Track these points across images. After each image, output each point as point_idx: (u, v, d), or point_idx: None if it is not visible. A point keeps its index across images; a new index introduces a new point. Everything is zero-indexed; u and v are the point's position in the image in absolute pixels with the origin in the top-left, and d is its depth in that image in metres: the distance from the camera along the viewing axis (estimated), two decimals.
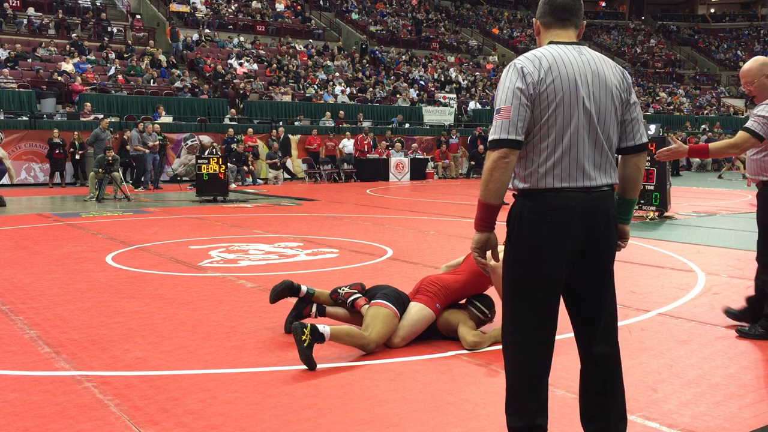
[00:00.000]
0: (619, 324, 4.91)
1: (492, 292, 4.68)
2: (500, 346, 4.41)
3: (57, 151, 18.01)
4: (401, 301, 4.41)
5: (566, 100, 2.55)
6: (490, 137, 2.57)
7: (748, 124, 4.49)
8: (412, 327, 4.37)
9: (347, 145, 22.11)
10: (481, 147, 23.16)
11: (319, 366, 4.03)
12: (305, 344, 3.91)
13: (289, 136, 21.57)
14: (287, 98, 24.71)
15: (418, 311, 4.40)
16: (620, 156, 2.80)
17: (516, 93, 2.53)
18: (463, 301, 4.72)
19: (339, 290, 4.71)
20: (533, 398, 2.66)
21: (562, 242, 2.56)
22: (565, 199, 2.56)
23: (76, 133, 18.16)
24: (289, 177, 21.31)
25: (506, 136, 2.51)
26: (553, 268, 2.59)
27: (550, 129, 2.56)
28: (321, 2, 36.29)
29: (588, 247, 2.61)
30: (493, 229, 2.64)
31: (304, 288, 4.76)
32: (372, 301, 4.41)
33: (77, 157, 18.17)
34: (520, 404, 2.66)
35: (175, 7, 29.51)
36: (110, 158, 14.75)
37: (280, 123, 22.24)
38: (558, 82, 2.54)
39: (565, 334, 4.71)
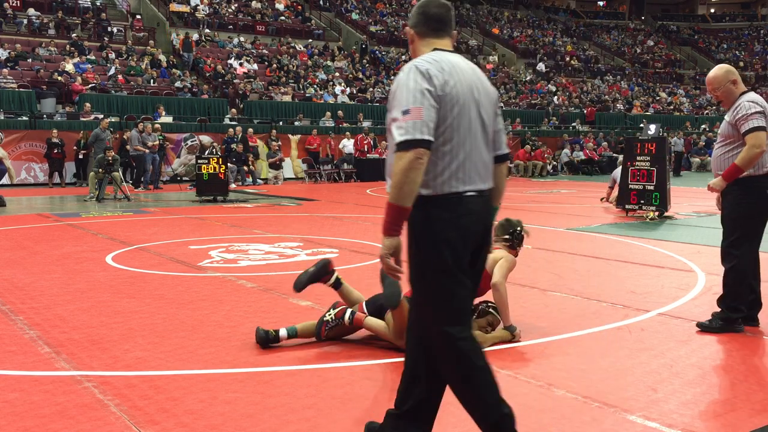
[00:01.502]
0: (620, 324, 4.96)
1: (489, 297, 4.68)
2: (500, 347, 4.44)
3: (55, 151, 18.00)
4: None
5: (466, 104, 2.61)
6: (400, 138, 2.49)
7: (757, 123, 4.60)
8: None
9: (347, 145, 22.10)
10: None
11: (319, 366, 4.03)
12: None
13: (248, 135, 20.49)
14: (287, 98, 24.71)
15: None
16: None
17: (425, 94, 2.53)
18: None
19: (325, 318, 4.46)
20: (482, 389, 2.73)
21: (467, 245, 2.63)
22: (469, 204, 2.62)
23: (81, 132, 18.15)
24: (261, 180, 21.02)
25: (420, 136, 2.49)
26: (459, 269, 2.63)
27: (453, 132, 2.59)
28: (321, 2, 36.29)
29: (480, 248, 2.73)
30: (401, 234, 2.59)
31: (283, 332, 4.44)
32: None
33: (80, 156, 18.16)
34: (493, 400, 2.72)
35: (175, 7, 29.50)
36: (110, 158, 14.74)
37: (236, 124, 21.22)
38: (459, 86, 2.60)
39: (564, 334, 4.72)
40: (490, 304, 4.70)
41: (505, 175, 2.87)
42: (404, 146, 2.48)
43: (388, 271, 2.62)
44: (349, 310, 4.43)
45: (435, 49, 2.71)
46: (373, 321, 4.34)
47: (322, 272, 4.56)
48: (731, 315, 4.78)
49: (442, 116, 2.56)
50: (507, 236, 4.87)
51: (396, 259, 2.60)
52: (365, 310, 4.44)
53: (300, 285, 4.49)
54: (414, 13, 2.80)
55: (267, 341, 4.38)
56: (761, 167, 4.69)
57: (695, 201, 14.11)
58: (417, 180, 2.50)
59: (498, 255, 4.67)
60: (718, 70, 4.89)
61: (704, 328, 4.82)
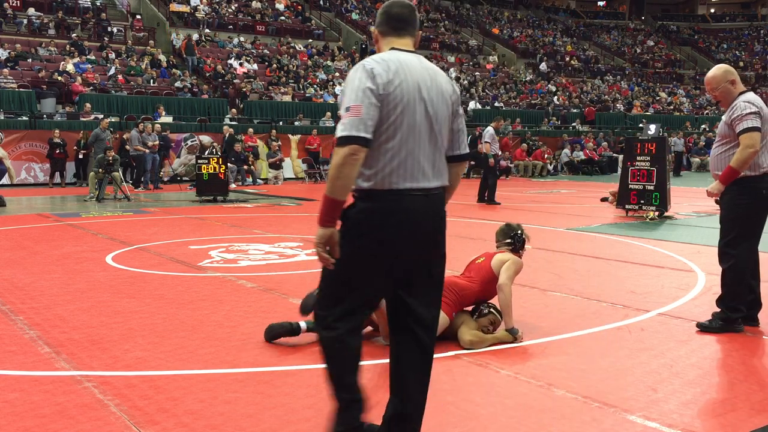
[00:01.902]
0: (620, 324, 4.95)
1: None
2: (499, 347, 4.44)
3: (57, 151, 18.00)
4: None
5: (411, 102, 2.66)
6: (339, 134, 2.59)
7: (751, 124, 4.62)
8: None
9: None
10: (480, 147, 23.14)
11: (319, 366, 4.02)
12: None
13: (248, 135, 20.54)
14: (287, 98, 24.70)
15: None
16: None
17: (366, 92, 2.60)
18: (470, 307, 4.76)
19: None
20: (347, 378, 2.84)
21: (402, 243, 2.67)
22: (407, 202, 2.66)
23: (81, 132, 18.15)
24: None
25: (356, 134, 2.57)
26: (383, 268, 2.70)
27: (396, 130, 2.65)
28: (321, 2, 36.29)
29: (423, 248, 2.74)
30: (336, 225, 2.67)
31: (303, 325, 4.49)
32: None
33: (80, 156, 18.16)
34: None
35: (175, 7, 29.50)
36: (110, 158, 14.74)
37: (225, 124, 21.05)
38: (404, 85, 2.66)
39: (564, 334, 4.72)
40: (491, 304, 4.71)
41: (459, 175, 2.92)
42: (341, 142, 2.57)
43: (320, 260, 2.70)
44: None
45: (392, 49, 2.79)
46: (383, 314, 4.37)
47: (290, 335, 4.50)
48: (731, 315, 4.78)
49: (385, 114, 2.63)
50: (509, 240, 4.94)
51: (330, 249, 2.67)
52: None
53: (307, 309, 4.42)
54: (378, 14, 2.90)
55: (291, 333, 4.41)
56: (758, 168, 4.70)
57: (695, 201, 14.11)
58: (350, 175, 2.59)
59: (505, 257, 4.72)
60: (716, 70, 4.90)
61: (704, 328, 4.82)
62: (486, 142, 14.17)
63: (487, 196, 14.07)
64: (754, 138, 4.60)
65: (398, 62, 2.69)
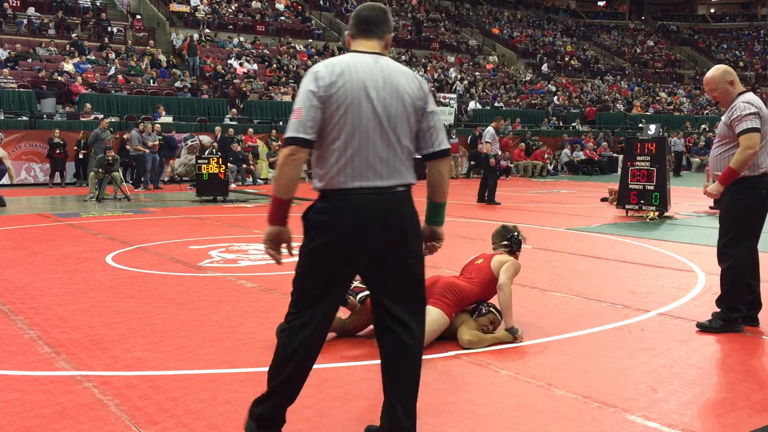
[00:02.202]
0: (620, 324, 4.95)
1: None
2: (499, 347, 4.44)
3: (57, 151, 18.00)
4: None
5: (355, 102, 2.71)
6: (284, 135, 2.76)
7: (751, 124, 4.62)
8: (434, 333, 4.38)
9: None
10: (480, 147, 23.14)
11: (319, 366, 4.02)
12: None
13: (248, 135, 20.38)
14: (287, 98, 24.69)
15: (438, 319, 4.39)
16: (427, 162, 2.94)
17: (308, 95, 2.71)
18: (471, 306, 4.77)
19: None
20: (287, 370, 2.87)
21: (353, 240, 2.73)
22: (355, 201, 2.72)
23: (81, 132, 18.15)
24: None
25: (295, 135, 2.70)
26: (343, 263, 2.77)
27: (341, 130, 2.72)
28: (321, 2, 36.29)
29: (383, 246, 2.76)
30: (285, 223, 2.81)
31: None
32: None
33: (80, 156, 18.16)
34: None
35: (175, 7, 29.50)
36: (110, 158, 14.74)
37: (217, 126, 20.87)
38: (348, 86, 2.71)
39: (564, 334, 4.72)
40: (491, 304, 4.72)
41: (442, 172, 2.90)
42: (284, 143, 2.72)
43: (267, 252, 2.85)
44: (365, 292, 4.45)
45: (355, 51, 2.86)
46: None
47: None
48: (731, 315, 4.78)
49: (329, 116, 2.71)
50: (506, 242, 4.98)
51: (275, 246, 2.82)
52: None
53: None
54: (351, 17, 2.99)
55: None
56: (756, 168, 4.71)
57: (695, 201, 14.10)
58: (290, 175, 2.74)
59: (504, 259, 4.75)
60: (715, 71, 4.91)
61: (704, 328, 4.82)
62: (486, 142, 14.17)
63: (487, 196, 14.07)
64: (754, 139, 4.60)
65: (346, 64, 2.76)
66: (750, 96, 4.81)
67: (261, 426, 2.90)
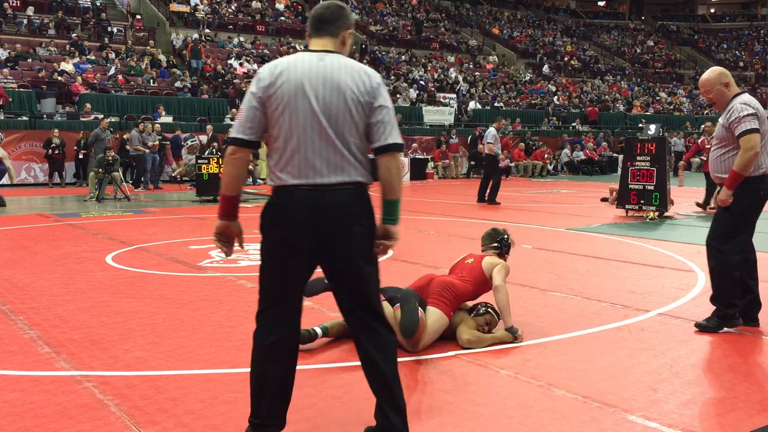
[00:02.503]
0: (620, 324, 4.95)
1: (489, 298, 4.68)
2: (499, 346, 4.44)
3: (56, 152, 18.00)
4: (423, 307, 4.40)
5: (293, 102, 2.76)
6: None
7: (750, 125, 4.62)
8: (434, 334, 4.39)
9: None
10: (480, 147, 23.15)
11: (319, 366, 4.03)
12: (417, 310, 4.16)
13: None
14: None
15: (438, 319, 4.40)
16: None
17: (249, 97, 2.81)
18: (471, 303, 4.79)
19: None
20: (263, 371, 2.92)
21: (296, 236, 2.79)
22: (296, 197, 2.77)
23: (81, 132, 18.15)
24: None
25: (235, 135, 2.83)
26: (290, 259, 2.83)
27: (281, 129, 2.78)
28: (321, 2, 36.24)
29: (326, 242, 2.81)
30: (233, 218, 2.94)
31: (318, 330, 4.46)
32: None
33: (80, 156, 18.15)
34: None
35: (175, 7, 29.50)
36: (110, 158, 14.74)
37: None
38: (286, 85, 2.76)
39: (564, 334, 4.72)
40: (488, 304, 4.72)
41: (389, 167, 2.83)
42: (227, 143, 2.90)
43: (216, 245, 2.98)
44: None
45: (306, 49, 2.92)
46: (386, 309, 4.35)
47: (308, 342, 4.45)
48: (726, 311, 4.80)
49: (270, 116, 2.80)
50: (495, 244, 5.05)
51: (225, 239, 2.96)
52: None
53: (310, 292, 4.38)
54: None
55: (309, 340, 4.36)
56: (757, 168, 4.72)
57: (695, 201, 14.09)
58: (232, 173, 2.86)
59: (494, 261, 4.79)
60: (710, 73, 4.93)
61: (702, 328, 4.83)
62: (488, 143, 14.16)
63: (487, 196, 14.08)
64: (754, 140, 4.61)
65: (287, 64, 2.81)
66: (746, 97, 4.81)
67: (256, 430, 2.93)
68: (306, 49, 2.93)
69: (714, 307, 4.90)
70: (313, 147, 2.76)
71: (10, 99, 19.36)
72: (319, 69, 2.79)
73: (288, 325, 2.91)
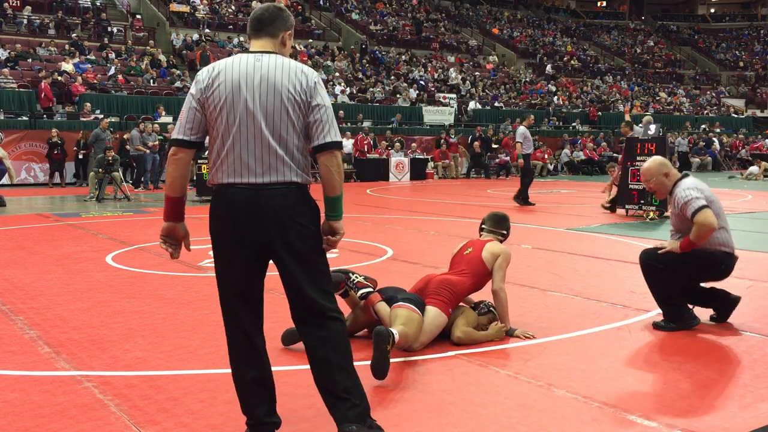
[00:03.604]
0: (620, 324, 4.95)
1: (485, 294, 4.68)
2: (500, 346, 4.44)
3: (56, 151, 18.00)
4: (422, 307, 4.37)
5: (229, 102, 2.81)
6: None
7: (698, 204, 4.69)
8: (432, 333, 4.37)
9: (346, 145, 22.11)
10: (476, 145, 23.17)
11: None
12: (388, 353, 3.74)
13: None
14: None
15: (436, 317, 4.37)
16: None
17: (188, 98, 2.89)
18: (474, 298, 4.80)
19: (351, 275, 4.49)
20: (240, 373, 2.95)
21: (234, 234, 2.84)
22: (232, 195, 2.83)
23: (81, 132, 18.16)
24: None
25: (175, 136, 2.90)
26: (233, 256, 2.89)
27: (219, 129, 2.84)
28: (321, 2, 36.29)
29: (267, 242, 2.85)
30: (179, 220, 2.98)
31: None
32: (401, 303, 4.30)
33: (80, 156, 18.15)
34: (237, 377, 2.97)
35: (175, 7, 29.51)
36: (110, 158, 14.75)
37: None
38: (222, 86, 2.82)
39: (564, 334, 4.72)
40: (490, 303, 4.72)
41: (327, 165, 2.85)
42: (169, 143, 2.91)
43: (163, 247, 3.02)
44: (367, 289, 4.41)
45: (245, 51, 3.00)
46: (383, 308, 4.34)
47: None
48: (668, 307, 4.87)
49: (209, 117, 2.86)
50: (505, 231, 4.99)
51: (170, 242, 3.00)
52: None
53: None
54: None
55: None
56: (724, 245, 4.85)
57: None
58: (173, 173, 2.91)
59: (495, 249, 4.71)
60: (651, 163, 5.04)
61: (659, 327, 4.87)
62: (518, 142, 13.65)
63: (520, 198, 13.67)
64: (708, 215, 4.66)
65: (224, 65, 2.86)
66: (689, 181, 4.90)
67: (250, 429, 2.97)
68: (245, 50, 2.99)
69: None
70: (247, 147, 2.80)
71: None
72: (256, 69, 2.82)
73: (249, 332, 2.95)
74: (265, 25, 2.94)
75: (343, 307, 4.58)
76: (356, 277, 4.50)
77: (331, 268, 4.56)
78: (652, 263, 4.95)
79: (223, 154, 2.83)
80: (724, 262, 4.87)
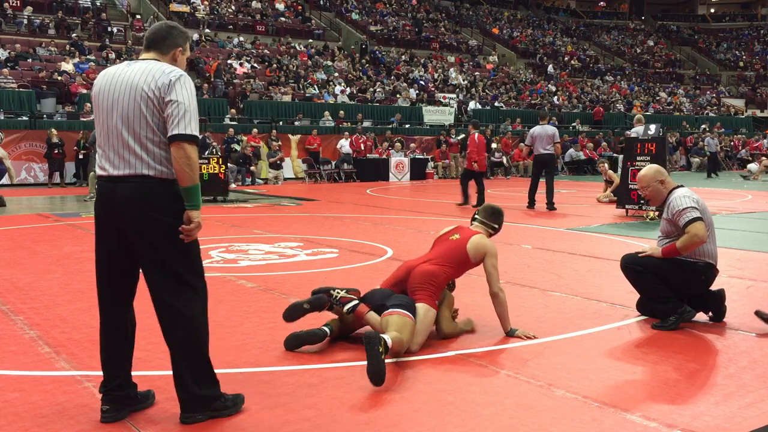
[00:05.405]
0: (620, 324, 4.95)
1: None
2: (499, 346, 4.44)
3: (55, 151, 17.99)
4: (413, 309, 4.33)
5: (100, 104, 3.17)
6: None
7: (693, 215, 4.77)
8: (427, 331, 4.37)
9: (344, 145, 22.12)
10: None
11: (319, 366, 4.02)
12: (382, 356, 3.71)
13: (251, 135, 20.66)
14: (287, 98, 24.71)
15: (426, 314, 4.36)
16: None
17: (91, 101, 3.31)
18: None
19: (333, 291, 4.45)
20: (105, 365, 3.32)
21: (100, 223, 3.22)
22: (99, 188, 3.20)
23: (81, 132, 18.16)
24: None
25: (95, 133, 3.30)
26: (101, 242, 3.27)
27: (95, 128, 3.26)
28: (321, 2, 36.30)
29: (121, 227, 3.13)
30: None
31: (327, 330, 4.41)
32: (392, 310, 4.24)
33: (80, 156, 18.16)
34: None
35: (175, 7, 29.52)
36: None
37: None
38: (96, 89, 3.21)
39: (564, 334, 4.72)
40: (450, 285, 4.79)
41: (176, 157, 3.05)
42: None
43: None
44: (353, 302, 4.38)
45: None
46: (373, 318, 4.32)
47: (317, 305, 4.45)
48: (663, 306, 4.89)
49: (94, 118, 3.26)
50: (497, 226, 4.93)
51: None
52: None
53: (291, 317, 4.44)
54: None
55: (321, 338, 4.34)
56: (707, 256, 4.89)
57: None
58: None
59: (481, 244, 4.65)
60: (647, 170, 5.09)
61: (658, 327, 4.87)
62: (556, 142, 13.20)
63: (546, 202, 13.20)
64: (699, 228, 4.72)
65: (106, 71, 3.25)
66: (684, 190, 4.94)
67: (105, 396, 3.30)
68: None
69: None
70: (109, 142, 3.14)
71: None
72: (123, 73, 3.15)
73: (113, 319, 3.40)
74: (155, 43, 3.25)
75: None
76: (338, 292, 4.44)
77: (312, 289, 4.59)
78: (631, 266, 5.01)
79: (96, 150, 3.23)
80: (704, 273, 4.92)
